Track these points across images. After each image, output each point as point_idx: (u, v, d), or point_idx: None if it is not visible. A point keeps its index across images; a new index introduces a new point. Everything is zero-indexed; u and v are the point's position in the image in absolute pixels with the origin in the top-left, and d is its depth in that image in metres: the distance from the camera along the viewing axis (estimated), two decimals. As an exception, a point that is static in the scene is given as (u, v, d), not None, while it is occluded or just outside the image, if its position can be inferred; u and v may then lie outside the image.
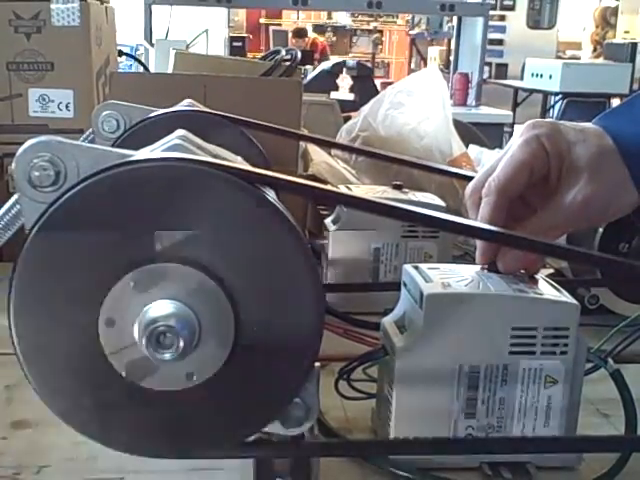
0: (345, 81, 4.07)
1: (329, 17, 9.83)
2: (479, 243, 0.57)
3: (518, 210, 0.57)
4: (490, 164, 0.57)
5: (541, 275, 0.58)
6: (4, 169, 1.11)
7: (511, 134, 3.96)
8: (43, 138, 0.41)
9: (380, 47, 9.26)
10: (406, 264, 0.59)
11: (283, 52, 1.40)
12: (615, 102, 4.69)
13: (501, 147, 0.62)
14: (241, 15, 8.69)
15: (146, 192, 0.40)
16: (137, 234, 0.40)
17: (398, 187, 0.93)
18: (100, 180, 0.40)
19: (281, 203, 0.42)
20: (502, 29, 6.27)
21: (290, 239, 0.41)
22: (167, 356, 0.39)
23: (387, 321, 0.58)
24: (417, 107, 1.19)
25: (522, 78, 5.40)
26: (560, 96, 4.98)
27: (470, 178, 0.60)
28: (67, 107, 1.15)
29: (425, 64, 6.56)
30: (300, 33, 7.72)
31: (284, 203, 0.42)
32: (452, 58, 4.28)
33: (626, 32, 7.08)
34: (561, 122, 0.57)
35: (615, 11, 7.50)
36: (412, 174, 1.06)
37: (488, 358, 0.54)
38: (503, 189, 0.55)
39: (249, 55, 4.59)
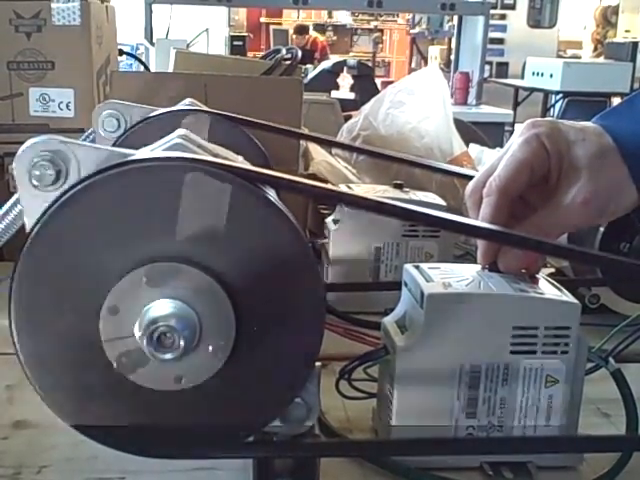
0: (346, 80, 4.07)
1: (330, 16, 9.83)
2: (480, 243, 0.57)
3: (518, 209, 0.57)
4: (490, 163, 0.57)
5: (542, 274, 0.58)
6: (5, 168, 1.11)
7: (512, 133, 3.95)
8: (44, 137, 0.41)
9: (381, 46, 9.24)
10: (407, 264, 0.59)
11: (284, 51, 1.40)
12: (616, 101, 4.69)
13: (502, 146, 0.62)
14: (241, 14, 8.69)
15: (147, 191, 0.40)
16: (137, 233, 0.40)
17: (399, 186, 0.93)
18: (101, 180, 0.40)
19: (282, 202, 0.42)
20: (503, 28, 6.27)
21: (291, 238, 0.41)
22: (168, 356, 0.39)
23: (388, 321, 0.58)
24: (418, 106, 1.19)
25: (523, 77, 5.40)
26: (561, 95, 4.97)
27: (471, 177, 0.60)
28: (68, 106, 1.15)
29: (426, 63, 6.55)
30: (301, 30, 7.71)
31: (285, 202, 0.42)
32: (453, 57, 4.28)
33: (627, 31, 7.08)
34: (561, 121, 0.57)
35: (616, 10, 7.49)
36: (413, 173, 1.06)
37: (489, 358, 0.53)
38: (504, 189, 0.55)
39: (249, 54, 4.59)
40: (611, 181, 0.55)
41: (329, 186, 0.53)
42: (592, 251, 0.71)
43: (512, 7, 6.41)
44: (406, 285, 0.58)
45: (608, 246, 0.82)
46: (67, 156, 0.41)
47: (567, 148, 0.55)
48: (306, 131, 1.14)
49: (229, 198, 0.40)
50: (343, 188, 0.90)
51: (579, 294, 0.81)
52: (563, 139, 0.55)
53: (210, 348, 0.40)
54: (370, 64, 5.69)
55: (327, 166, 1.17)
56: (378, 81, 4.69)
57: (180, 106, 0.82)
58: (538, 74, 5.06)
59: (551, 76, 4.91)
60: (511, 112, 4.40)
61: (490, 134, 2.26)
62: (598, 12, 7.80)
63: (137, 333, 0.40)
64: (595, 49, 7.56)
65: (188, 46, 2.53)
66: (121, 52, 1.59)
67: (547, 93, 5.10)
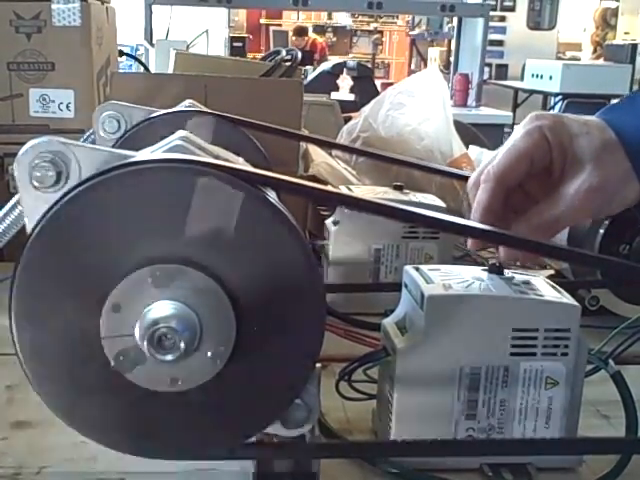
0: (345, 82, 4.06)
1: (329, 17, 9.82)
2: None
3: (519, 201, 0.56)
4: (493, 155, 0.57)
5: (542, 276, 0.58)
6: (4, 169, 1.11)
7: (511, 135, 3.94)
8: (45, 138, 0.41)
9: (380, 48, 9.24)
10: (407, 265, 0.59)
11: (283, 52, 1.40)
12: (615, 103, 4.68)
13: (501, 148, 0.62)
14: (241, 15, 8.68)
15: (147, 193, 0.40)
16: (138, 235, 0.40)
17: (399, 188, 0.93)
18: (102, 181, 0.40)
19: (282, 204, 0.42)
20: (502, 30, 6.26)
21: (291, 240, 0.41)
22: (168, 357, 0.39)
23: (388, 322, 0.58)
24: (418, 108, 1.19)
25: (522, 79, 5.40)
26: (560, 97, 4.97)
27: (470, 179, 0.60)
28: (68, 107, 1.15)
29: (425, 65, 6.55)
30: (300, 31, 7.71)
31: (285, 204, 0.42)
32: (452, 59, 4.28)
33: (626, 33, 7.07)
34: (565, 115, 0.57)
35: (615, 12, 7.49)
36: (412, 175, 1.06)
37: (489, 359, 0.54)
38: (501, 177, 0.55)
39: (249, 55, 4.60)
40: (615, 174, 0.55)
41: (329, 188, 0.53)
42: (591, 253, 0.71)
43: (512, 9, 6.41)
44: (406, 286, 0.58)
45: (608, 248, 0.82)
46: (68, 157, 0.41)
47: (570, 141, 0.55)
48: (306, 132, 1.14)
49: (230, 200, 0.40)
50: (343, 190, 0.90)
51: (579, 296, 0.81)
52: (566, 132, 0.55)
53: (210, 349, 0.40)
54: (370, 65, 5.69)
55: (327, 168, 1.17)
56: (378, 83, 4.68)
57: (180, 107, 0.82)
58: (537, 76, 5.06)
59: (550, 78, 4.91)
60: (510, 114, 4.39)
61: (490, 136, 2.26)
62: (597, 14, 7.80)
63: (137, 334, 0.39)
64: (594, 51, 7.56)
65: (188, 47, 2.53)
66: (121, 53, 1.59)
67: (546, 95, 5.10)
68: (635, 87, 4.90)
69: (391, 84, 1.38)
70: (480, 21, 3.77)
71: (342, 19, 9.87)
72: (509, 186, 0.55)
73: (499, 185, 0.55)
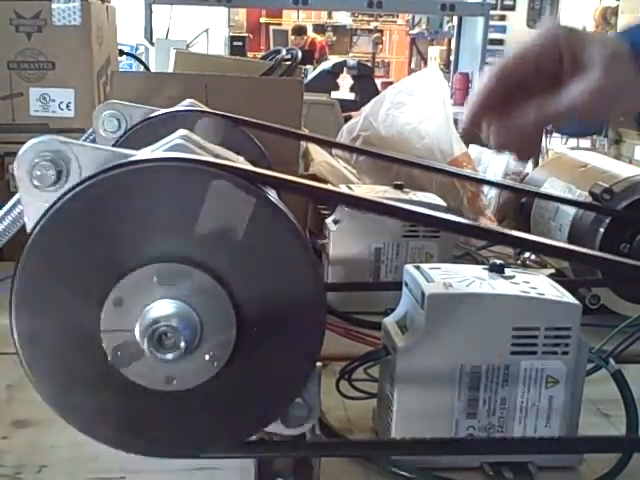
0: (345, 81, 4.06)
1: (329, 17, 9.82)
2: (466, 110, 0.56)
3: (523, 102, 0.56)
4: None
5: (542, 275, 0.58)
6: (5, 168, 1.11)
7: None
8: (45, 138, 0.41)
9: (380, 47, 9.24)
10: (407, 264, 0.59)
11: (284, 52, 1.40)
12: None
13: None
14: (241, 15, 8.68)
15: (148, 192, 0.40)
16: (139, 234, 0.40)
17: (399, 187, 0.93)
18: (102, 180, 0.40)
19: (282, 203, 0.42)
20: (502, 29, 6.26)
21: (291, 239, 0.41)
22: (169, 356, 0.39)
23: (388, 321, 0.58)
24: (418, 107, 1.19)
25: (522, 78, 5.40)
26: (561, 96, 4.97)
27: (471, 178, 0.60)
28: (68, 106, 1.15)
29: (425, 64, 6.55)
30: (299, 31, 7.71)
31: (285, 203, 0.42)
32: (452, 58, 4.28)
33: (626, 32, 7.07)
34: (580, 29, 0.58)
35: (615, 11, 7.48)
36: (413, 174, 1.06)
37: (489, 358, 0.54)
38: (503, 69, 0.55)
39: (249, 54, 4.59)
40: (622, 81, 0.55)
41: (329, 187, 0.53)
42: (592, 252, 0.71)
43: (512, 8, 6.40)
44: (407, 285, 0.58)
45: (609, 246, 0.82)
46: (68, 156, 0.41)
47: (583, 48, 0.55)
48: (306, 132, 1.14)
49: (230, 199, 0.40)
50: (343, 189, 0.90)
51: (579, 295, 0.81)
52: (579, 40, 0.56)
53: (211, 349, 0.40)
54: (370, 64, 5.68)
55: (327, 167, 1.17)
56: (378, 82, 4.68)
57: (180, 106, 0.82)
58: (538, 75, 5.06)
59: (551, 76, 4.91)
60: (511, 113, 4.39)
61: (490, 135, 2.26)
62: (597, 13, 7.80)
63: (138, 331, 0.39)
64: (595, 50, 7.55)
65: (188, 46, 2.53)
66: (121, 52, 1.59)
67: (547, 93, 5.10)
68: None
69: (391, 83, 1.38)
70: (480, 20, 3.77)
71: (342, 18, 9.87)
72: (510, 79, 0.55)
73: (500, 75, 0.55)
